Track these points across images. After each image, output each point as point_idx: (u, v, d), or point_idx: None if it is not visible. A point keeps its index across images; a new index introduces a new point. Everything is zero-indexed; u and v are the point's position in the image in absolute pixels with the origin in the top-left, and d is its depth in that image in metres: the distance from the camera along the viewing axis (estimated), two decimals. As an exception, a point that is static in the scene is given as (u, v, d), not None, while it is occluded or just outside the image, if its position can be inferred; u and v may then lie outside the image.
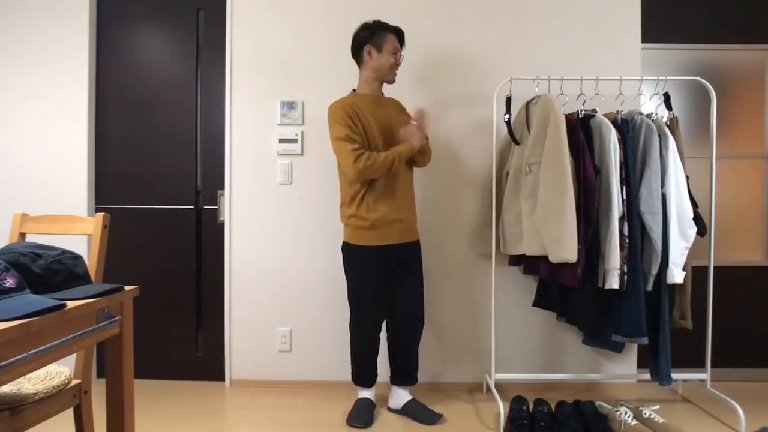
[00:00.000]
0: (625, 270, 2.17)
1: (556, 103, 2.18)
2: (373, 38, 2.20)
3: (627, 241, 2.18)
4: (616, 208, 2.14)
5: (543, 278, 2.41)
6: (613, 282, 2.14)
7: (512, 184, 2.39)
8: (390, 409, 2.36)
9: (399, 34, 2.26)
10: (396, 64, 2.24)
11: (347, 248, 2.26)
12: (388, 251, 2.19)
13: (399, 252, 2.22)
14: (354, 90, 2.29)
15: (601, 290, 2.22)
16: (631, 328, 2.18)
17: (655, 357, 2.26)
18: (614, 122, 2.25)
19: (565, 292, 2.40)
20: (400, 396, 2.33)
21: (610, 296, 2.24)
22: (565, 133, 2.13)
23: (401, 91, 2.65)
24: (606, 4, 2.66)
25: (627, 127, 2.26)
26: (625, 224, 2.18)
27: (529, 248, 2.25)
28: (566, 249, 2.07)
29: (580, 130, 2.22)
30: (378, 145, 2.17)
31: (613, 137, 2.17)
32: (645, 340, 2.18)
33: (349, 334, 2.33)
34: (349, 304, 2.29)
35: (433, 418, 2.24)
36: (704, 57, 2.80)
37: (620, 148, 2.19)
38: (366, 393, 2.33)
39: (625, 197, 2.19)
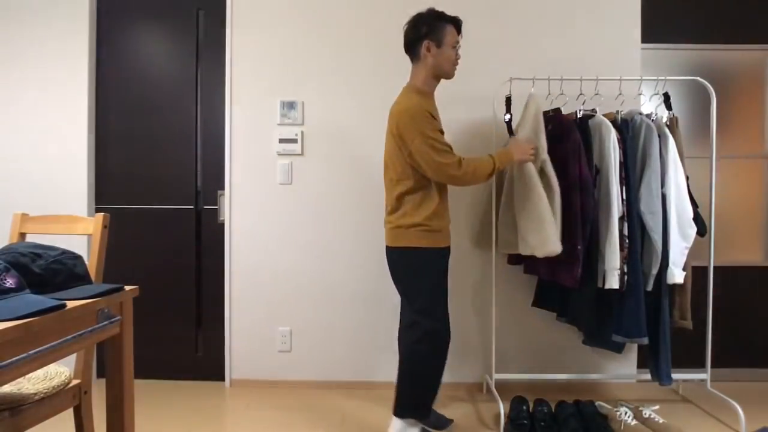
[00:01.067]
0: (625, 270, 2.17)
1: (536, 103, 2.21)
2: (432, 32, 1.96)
3: (627, 241, 2.18)
4: (616, 208, 2.14)
5: (543, 278, 2.41)
6: (613, 282, 2.14)
7: (509, 184, 2.39)
8: None
9: (458, 24, 2.01)
10: (457, 59, 2.02)
11: (416, 253, 1.97)
12: (448, 253, 2.08)
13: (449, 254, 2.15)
14: (411, 86, 2.03)
15: (601, 290, 2.22)
16: (631, 328, 2.18)
17: (655, 357, 2.26)
18: (614, 122, 2.25)
19: (564, 291, 2.40)
20: None
21: (610, 296, 2.24)
22: (542, 132, 2.17)
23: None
24: (606, 4, 2.66)
25: (627, 127, 2.26)
26: (625, 224, 2.18)
27: (521, 248, 2.28)
28: (550, 243, 2.08)
29: (576, 130, 2.23)
30: None
31: (612, 137, 2.17)
32: (645, 340, 2.18)
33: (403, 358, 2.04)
34: (422, 315, 1.96)
35: (446, 423, 2.19)
36: (704, 57, 2.80)
37: (620, 148, 2.19)
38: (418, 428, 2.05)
39: (624, 197, 2.19)
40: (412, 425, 2.01)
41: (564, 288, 2.38)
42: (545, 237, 2.09)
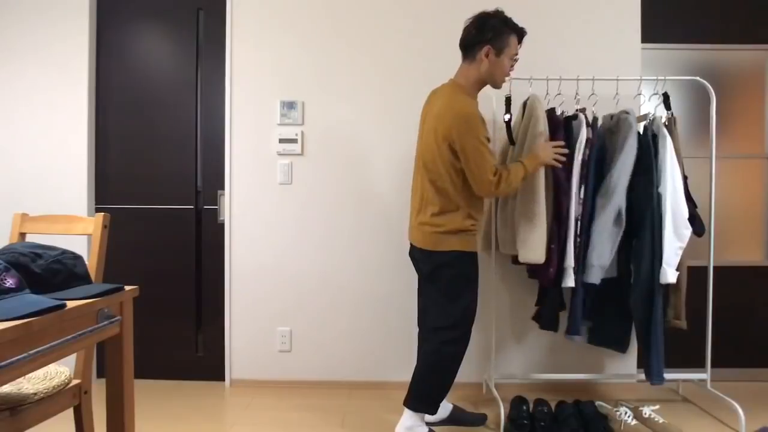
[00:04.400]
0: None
1: (540, 104, 2.20)
2: (496, 39, 1.90)
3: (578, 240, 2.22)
4: (573, 209, 2.20)
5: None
6: (569, 281, 2.19)
7: None
8: (435, 423, 2.19)
9: (522, 35, 1.98)
10: (510, 71, 1.98)
11: (467, 257, 1.97)
12: None
13: None
14: (458, 86, 1.96)
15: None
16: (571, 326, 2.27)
17: (647, 356, 2.25)
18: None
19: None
20: (444, 404, 2.20)
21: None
22: (545, 135, 2.15)
23: (401, 91, 2.65)
24: (606, 4, 2.66)
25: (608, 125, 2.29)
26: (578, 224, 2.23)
27: (509, 248, 2.30)
28: (533, 251, 2.12)
29: (563, 130, 2.25)
30: None
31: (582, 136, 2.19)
32: (577, 338, 2.26)
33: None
34: (465, 317, 2.00)
35: (482, 419, 2.24)
36: (704, 57, 2.80)
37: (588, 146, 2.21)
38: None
39: (582, 196, 2.23)
40: (422, 422, 2.00)
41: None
42: (533, 244, 2.11)
